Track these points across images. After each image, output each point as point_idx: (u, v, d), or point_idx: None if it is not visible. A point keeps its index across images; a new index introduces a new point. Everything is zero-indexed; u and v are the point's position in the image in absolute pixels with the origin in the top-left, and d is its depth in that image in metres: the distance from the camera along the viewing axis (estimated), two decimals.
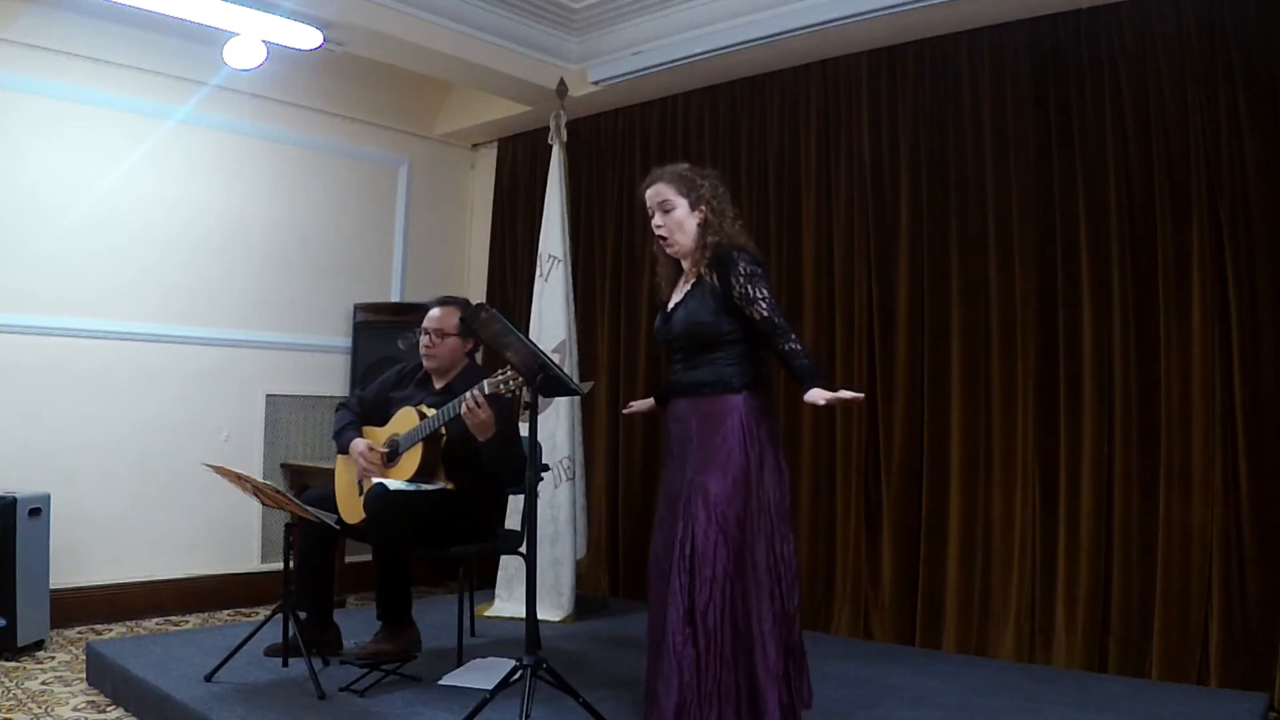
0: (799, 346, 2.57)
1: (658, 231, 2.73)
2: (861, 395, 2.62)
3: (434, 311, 3.55)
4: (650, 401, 3.01)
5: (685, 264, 2.76)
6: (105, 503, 4.46)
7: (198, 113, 4.79)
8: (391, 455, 3.40)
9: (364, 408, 3.64)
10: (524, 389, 2.95)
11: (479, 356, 3.79)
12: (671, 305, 2.76)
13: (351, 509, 3.41)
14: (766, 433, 2.62)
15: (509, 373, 2.96)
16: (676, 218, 2.69)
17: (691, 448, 2.63)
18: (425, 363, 3.57)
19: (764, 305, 2.58)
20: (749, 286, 2.58)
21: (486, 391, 3.03)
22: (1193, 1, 3.61)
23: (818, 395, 2.49)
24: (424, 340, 3.53)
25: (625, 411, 3.10)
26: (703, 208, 2.69)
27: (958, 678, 3.48)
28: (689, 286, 2.71)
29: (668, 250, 2.75)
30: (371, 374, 4.09)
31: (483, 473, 3.36)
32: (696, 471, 2.59)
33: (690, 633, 2.50)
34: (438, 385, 3.56)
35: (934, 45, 4.20)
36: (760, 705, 2.48)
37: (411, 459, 3.32)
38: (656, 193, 2.73)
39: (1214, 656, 3.41)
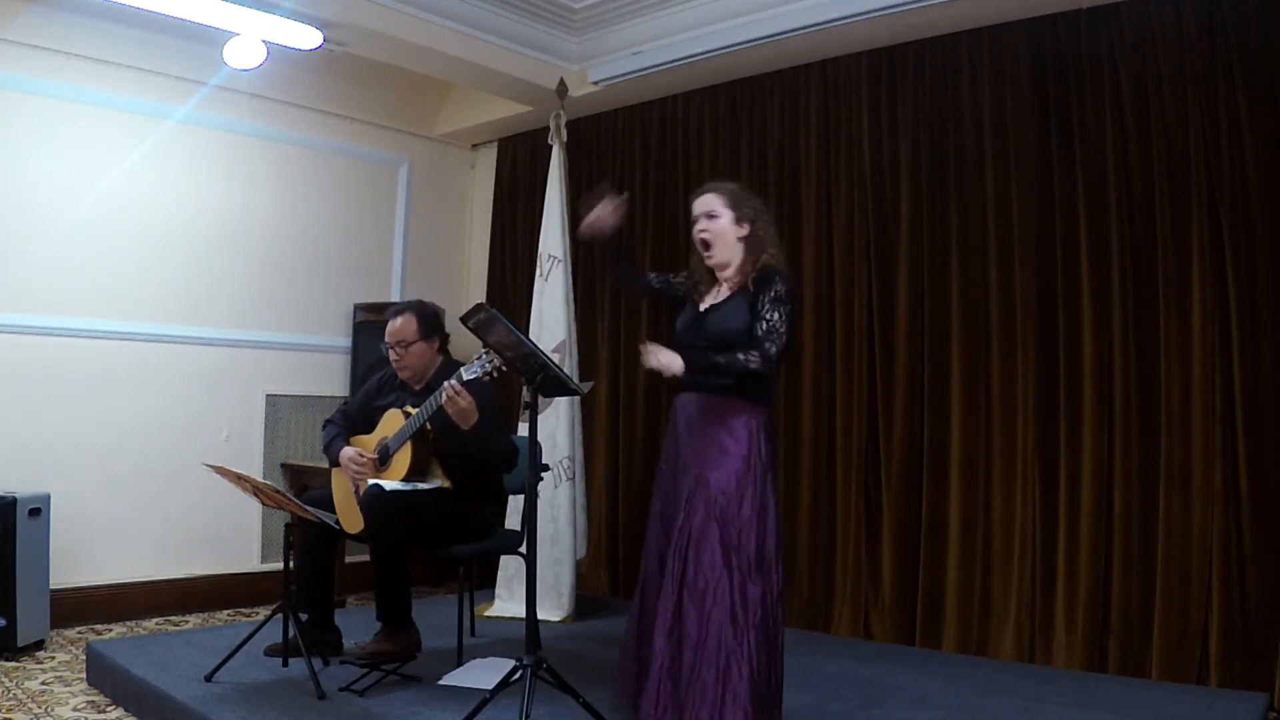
0: (747, 364, 2.59)
1: (700, 235, 2.78)
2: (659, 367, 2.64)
3: (392, 324, 3.51)
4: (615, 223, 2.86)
5: (721, 274, 2.79)
6: (105, 503, 4.46)
7: (198, 113, 4.79)
8: (383, 458, 3.39)
9: (350, 421, 3.64)
10: (501, 370, 2.97)
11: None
12: (706, 306, 2.78)
13: (351, 519, 3.40)
14: (770, 449, 2.68)
15: (485, 354, 2.97)
16: (720, 225, 2.75)
17: (692, 440, 2.67)
18: (400, 374, 3.56)
19: (765, 325, 2.62)
20: (771, 309, 2.63)
21: (465, 378, 3.04)
22: (1193, 1, 3.61)
23: (658, 351, 2.63)
24: (392, 355, 3.52)
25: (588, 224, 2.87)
26: (746, 225, 2.76)
27: (958, 678, 3.49)
28: (729, 293, 2.75)
29: (707, 259, 2.79)
30: (371, 374, 4.09)
31: (474, 463, 3.35)
32: (697, 463, 2.63)
33: (676, 634, 2.52)
34: (417, 386, 3.55)
35: (934, 45, 4.20)
36: (736, 707, 2.46)
37: (402, 459, 3.32)
38: (704, 202, 2.80)
39: (1214, 656, 3.41)
